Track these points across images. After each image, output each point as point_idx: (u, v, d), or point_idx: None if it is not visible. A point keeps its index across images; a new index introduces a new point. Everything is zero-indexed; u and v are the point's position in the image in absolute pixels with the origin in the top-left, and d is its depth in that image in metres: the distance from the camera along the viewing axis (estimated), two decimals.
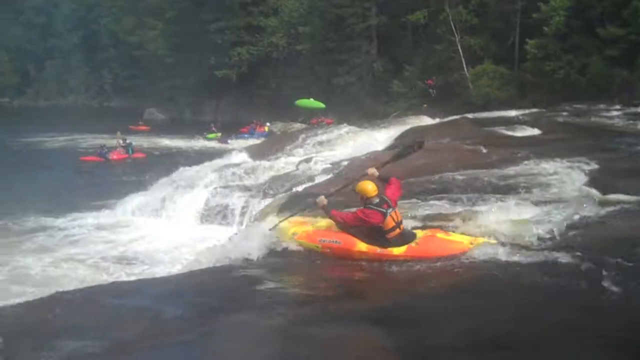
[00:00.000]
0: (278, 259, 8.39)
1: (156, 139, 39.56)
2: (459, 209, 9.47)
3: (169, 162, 26.79)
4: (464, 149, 15.39)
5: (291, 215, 9.22)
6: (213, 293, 7.03)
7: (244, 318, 5.87)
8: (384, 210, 7.99)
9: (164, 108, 57.89)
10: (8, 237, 15.83)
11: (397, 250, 7.81)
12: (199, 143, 37.45)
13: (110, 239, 15.78)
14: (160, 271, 11.33)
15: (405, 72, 38.83)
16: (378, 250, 7.89)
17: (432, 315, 5.69)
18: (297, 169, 16.92)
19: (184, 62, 56.87)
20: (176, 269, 10.05)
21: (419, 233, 8.17)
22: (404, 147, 9.92)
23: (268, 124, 38.73)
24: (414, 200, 10.32)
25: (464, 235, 8.07)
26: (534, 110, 25.46)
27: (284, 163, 18.78)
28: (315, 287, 7.01)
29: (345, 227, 8.32)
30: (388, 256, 7.78)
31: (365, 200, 8.19)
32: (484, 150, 14.93)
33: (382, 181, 8.59)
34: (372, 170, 8.71)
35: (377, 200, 8.14)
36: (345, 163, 15.87)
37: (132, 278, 11.01)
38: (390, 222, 7.99)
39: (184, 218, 16.06)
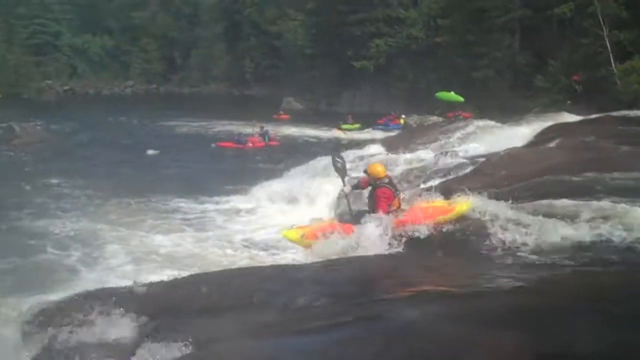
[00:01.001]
0: (412, 251, 8.26)
1: (293, 128, 40.24)
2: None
3: (304, 151, 27.23)
4: (608, 148, 14.50)
5: None
6: (347, 283, 6.99)
7: (377, 311, 5.78)
8: (395, 190, 9.49)
9: (302, 98, 58.74)
10: (147, 218, 16.60)
11: None
12: (334, 133, 37.71)
13: (244, 224, 16.20)
14: (294, 258, 11.45)
15: (548, 66, 37.31)
16: None
17: (568, 318, 5.36)
18: (433, 163, 16.62)
19: (322, 53, 57.47)
20: (310, 257, 10.11)
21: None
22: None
23: (404, 116, 38.39)
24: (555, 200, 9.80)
25: (443, 200, 9.32)
26: None
27: (419, 156, 18.51)
28: (448, 284, 6.81)
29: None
30: None
31: (376, 181, 9.53)
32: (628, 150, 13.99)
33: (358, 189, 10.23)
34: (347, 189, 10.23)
35: (387, 180, 9.56)
36: (483, 159, 15.42)
37: (266, 263, 11.21)
38: (396, 203, 9.37)
39: (318, 206, 16.18)
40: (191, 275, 7.95)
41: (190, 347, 5.48)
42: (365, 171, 9.97)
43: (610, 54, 31.78)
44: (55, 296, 7.49)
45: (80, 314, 6.26)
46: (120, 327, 6.06)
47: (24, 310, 6.66)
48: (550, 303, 5.70)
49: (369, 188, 9.95)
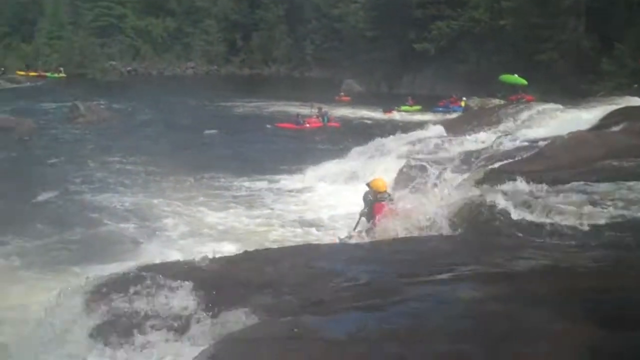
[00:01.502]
0: (473, 233, 8.14)
1: (353, 110, 40.09)
2: None
3: (363, 132, 27.11)
4: None
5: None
6: (405, 262, 6.93)
7: (437, 290, 5.70)
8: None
9: (361, 80, 58.42)
10: (204, 195, 16.90)
11: None
12: (394, 115, 37.44)
13: (300, 204, 16.28)
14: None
15: (615, 50, 36.25)
16: None
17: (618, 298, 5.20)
18: (494, 146, 16.33)
19: (383, 35, 57.06)
20: (368, 236, 10.08)
21: None
22: None
23: (465, 98, 37.85)
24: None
25: None
26: None
27: (480, 138, 18.22)
28: (510, 265, 6.67)
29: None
30: None
31: (377, 195, 10.41)
32: None
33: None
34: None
35: (386, 195, 10.46)
36: (545, 142, 15.05)
37: (324, 241, 11.24)
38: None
39: None
40: (248, 252, 8.00)
41: (248, 321, 5.51)
42: (367, 184, 10.87)
43: None
44: (116, 268, 7.66)
45: (140, 286, 6.35)
46: (180, 300, 6.13)
47: (87, 281, 6.79)
48: (599, 284, 5.61)
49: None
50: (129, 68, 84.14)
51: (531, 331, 4.66)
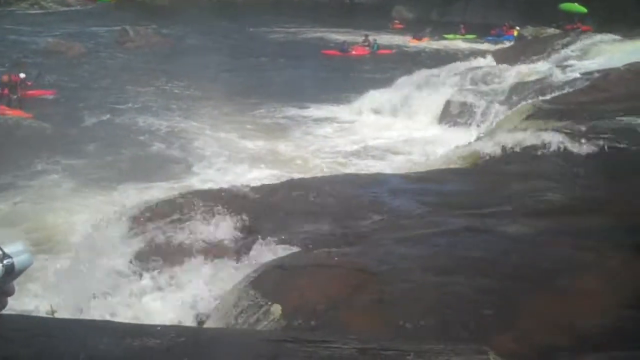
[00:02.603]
0: (524, 164, 7.96)
1: (404, 38, 39.30)
2: None
3: (412, 61, 26.62)
4: None
5: None
6: (451, 193, 6.85)
7: (481, 223, 5.61)
8: None
9: (412, 7, 57.09)
10: (248, 121, 16.89)
11: None
12: (444, 44, 36.62)
13: (347, 133, 16.16)
14: (396, 167, 11.36)
15: None
16: None
17: None
18: (546, 77, 15.86)
19: None
20: (411, 166, 9.99)
21: None
22: None
23: (518, 27, 36.76)
24: None
25: None
26: None
27: (532, 69, 17.68)
28: (556, 199, 6.52)
29: None
30: None
31: None
32: None
33: None
34: None
35: None
36: (598, 74, 14.54)
37: (370, 171, 11.18)
38: None
39: (422, 117, 15.91)
40: (290, 180, 7.99)
41: (290, 249, 5.54)
42: None
43: None
44: (160, 189, 7.74)
45: (183, 212, 6.42)
46: (222, 227, 6.18)
47: (130, 206, 6.88)
48: None
49: None
50: None
51: (579, 265, 4.62)
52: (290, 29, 43.00)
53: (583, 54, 18.95)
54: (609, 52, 18.72)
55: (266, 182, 8.09)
